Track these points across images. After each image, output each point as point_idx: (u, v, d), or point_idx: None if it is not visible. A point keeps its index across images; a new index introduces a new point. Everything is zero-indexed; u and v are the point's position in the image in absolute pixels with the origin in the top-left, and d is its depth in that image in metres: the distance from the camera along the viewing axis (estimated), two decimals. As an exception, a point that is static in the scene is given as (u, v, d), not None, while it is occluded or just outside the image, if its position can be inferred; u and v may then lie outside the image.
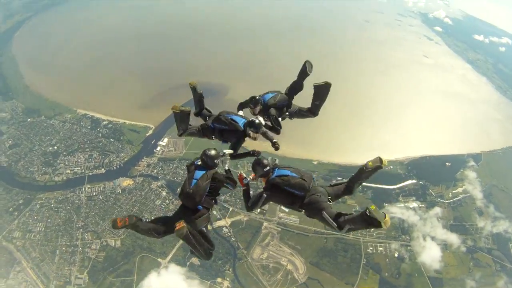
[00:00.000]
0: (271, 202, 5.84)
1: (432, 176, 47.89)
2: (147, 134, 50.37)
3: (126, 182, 45.10)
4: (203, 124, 6.93)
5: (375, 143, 48.18)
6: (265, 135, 6.90)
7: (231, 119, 6.58)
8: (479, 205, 46.14)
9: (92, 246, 40.98)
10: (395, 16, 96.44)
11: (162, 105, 52.03)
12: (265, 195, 5.67)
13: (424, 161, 49.69)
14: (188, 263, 38.85)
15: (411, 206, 44.52)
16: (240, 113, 7.35)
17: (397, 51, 70.76)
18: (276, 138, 7.16)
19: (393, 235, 42.44)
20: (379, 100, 55.25)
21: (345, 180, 5.80)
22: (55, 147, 48.76)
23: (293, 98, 7.31)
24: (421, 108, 54.67)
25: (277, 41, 70.60)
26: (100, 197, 43.95)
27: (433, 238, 42.58)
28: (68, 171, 46.42)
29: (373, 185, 45.57)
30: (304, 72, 7.07)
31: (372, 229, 39.40)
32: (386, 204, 44.56)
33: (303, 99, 7.68)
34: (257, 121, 6.47)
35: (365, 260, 40.58)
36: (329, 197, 5.67)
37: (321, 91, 6.79)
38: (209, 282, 38.83)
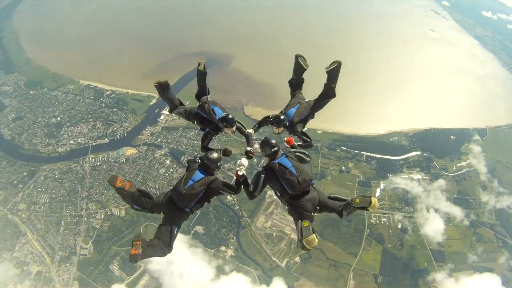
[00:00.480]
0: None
1: (436, 148, 47.56)
2: (151, 103, 50.00)
3: (130, 151, 45.03)
4: (191, 108, 6.98)
5: (381, 114, 47.70)
6: (240, 130, 7.09)
7: (212, 109, 6.59)
8: (483, 179, 45.83)
9: (96, 216, 41.26)
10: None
11: (166, 74, 51.30)
12: (262, 175, 5.65)
13: (429, 133, 49.27)
14: (192, 232, 39.08)
15: (415, 178, 44.34)
16: (251, 130, 7.44)
17: (404, 25, 69.36)
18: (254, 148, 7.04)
19: (396, 206, 42.41)
20: (386, 73, 54.40)
21: (345, 198, 5.57)
22: (58, 119, 48.51)
23: (301, 89, 7.31)
24: (427, 81, 53.89)
25: (284, 13, 68.91)
26: (104, 166, 43.95)
27: (436, 211, 42.53)
28: (72, 142, 46.31)
29: (377, 156, 45.48)
30: (300, 69, 7.02)
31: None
32: (390, 174, 44.35)
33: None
34: (230, 116, 6.42)
35: (368, 230, 40.70)
36: (318, 208, 5.57)
37: (334, 73, 6.62)
38: (213, 251, 39.11)
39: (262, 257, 39.00)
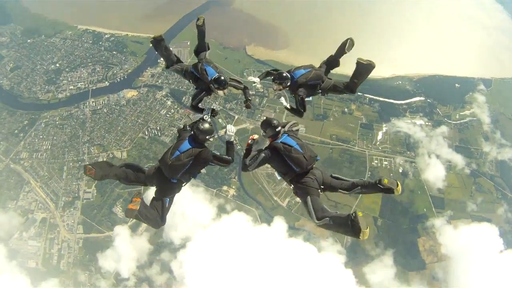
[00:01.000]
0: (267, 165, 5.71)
1: (440, 95, 46.89)
2: (151, 45, 48.44)
3: (131, 93, 44.73)
4: (188, 66, 6.75)
5: (385, 56, 46.12)
6: (236, 88, 6.83)
7: (205, 69, 6.37)
8: (485, 129, 45.33)
9: (99, 159, 41.19)
10: None
11: (166, 15, 50.42)
12: (263, 154, 5.46)
13: (433, 79, 48.39)
14: (194, 171, 39.15)
15: (417, 123, 44.02)
16: (256, 79, 7.12)
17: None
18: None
19: (398, 150, 42.32)
20: (392, 14, 52.60)
21: (348, 179, 5.49)
22: (57, 65, 47.90)
23: (328, 73, 6.82)
24: (434, 27, 52.44)
25: None
26: (105, 110, 43.83)
27: (438, 157, 42.37)
28: (72, 87, 45.96)
29: (380, 99, 44.96)
30: (342, 49, 6.62)
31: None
32: (393, 118, 44.05)
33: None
34: (222, 78, 6.15)
35: (369, 173, 40.71)
36: (322, 186, 5.47)
37: (363, 70, 6.27)
38: (214, 190, 39.42)
39: (263, 197, 39.34)
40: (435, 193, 40.75)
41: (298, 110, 6.67)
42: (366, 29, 49.14)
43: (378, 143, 42.36)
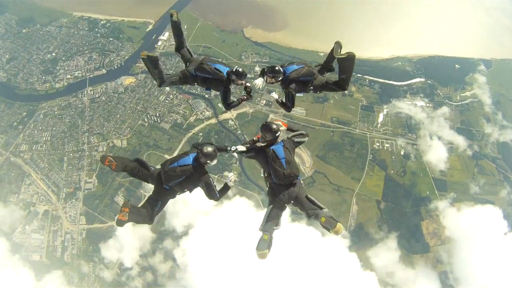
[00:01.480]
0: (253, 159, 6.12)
1: (440, 76, 46.44)
2: (147, 30, 48.50)
3: (128, 80, 44.35)
4: (184, 72, 6.58)
5: (384, 37, 46.18)
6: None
7: (215, 68, 6.32)
8: (487, 110, 45.02)
9: (99, 149, 41.30)
10: None
11: None
12: (257, 149, 5.89)
13: (433, 60, 47.90)
14: (194, 157, 38.89)
15: (418, 104, 43.69)
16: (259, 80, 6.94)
17: None
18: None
19: (399, 132, 42.12)
20: None
21: (317, 206, 5.65)
22: (53, 54, 47.32)
23: (323, 73, 6.71)
24: (433, 6, 51.89)
25: None
26: (103, 98, 43.48)
27: (439, 138, 42.15)
28: (69, 76, 45.48)
29: (380, 80, 44.61)
30: (331, 55, 6.46)
31: None
32: (393, 99, 43.72)
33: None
34: (240, 69, 6.27)
35: (371, 156, 40.64)
36: (292, 202, 5.79)
37: (346, 64, 6.14)
38: (216, 176, 38.97)
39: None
40: (437, 175, 40.64)
41: (286, 104, 6.72)
42: (365, 9, 48.59)
43: (379, 125, 42.10)
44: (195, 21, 48.07)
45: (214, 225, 37.55)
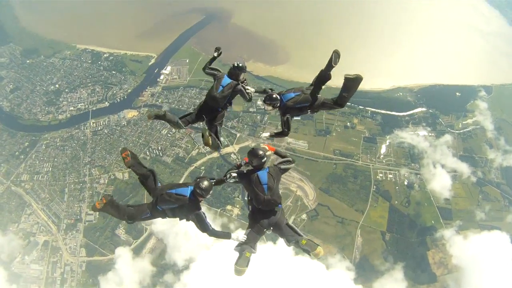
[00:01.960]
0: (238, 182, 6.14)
1: (442, 105, 46.52)
2: (150, 63, 49.12)
3: (131, 113, 44.62)
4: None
5: (384, 68, 46.44)
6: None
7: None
8: (489, 136, 45.01)
9: (100, 181, 41.20)
10: None
11: (164, 33, 50.57)
12: (245, 173, 5.89)
13: (434, 89, 48.05)
14: (196, 192, 38.60)
15: (420, 133, 43.71)
16: (252, 89, 7.32)
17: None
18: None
19: (402, 162, 41.91)
20: (389, 27, 52.64)
21: (296, 234, 5.74)
22: (57, 86, 47.91)
23: (320, 89, 6.91)
24: (431, 36, 52.32)
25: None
26: (106, 131, 43.66)
27: (443, 166, 41.89)
28: (72, 108, 45.90)
29: (382, 111, 44.75)
30: (329, 63, 6.62)
31: None
32: (395, 130, 43.72)
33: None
34: (240, 64, 6.92)
35: (374, 187, 40.36)
36: (272, 228, 5.87)
37: (351, 84, 6.47)
38: (218, 210, 38.80)
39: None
40: (442, 204, 40.28)
41: (282, 131, 6.97)
42: (364, 41, 49.21)
43: (382, 156, 41.96)
44: (197, 55, 48.67)
45: (216, 259, 36.90)
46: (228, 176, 5.99)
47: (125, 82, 47.46)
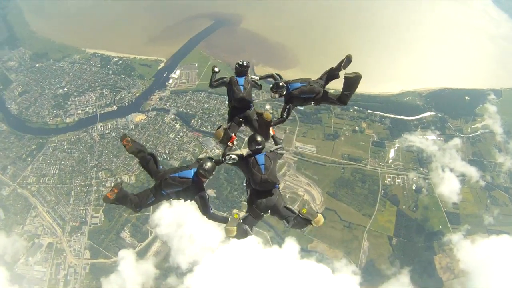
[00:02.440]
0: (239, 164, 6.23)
1: (451, 109, 46.48)
2: (159, 68, 49.52)
3: (139, 117, 44.77)
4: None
5: (394, 72, 46.80)
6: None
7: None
8: (498, 140, 44.70)
9: (106, 184, 41.12)
10: None
11: (173, 37, 51.03)
12: (243, 158, 6.04)
13: (443, 93, 48.04)
14: (203, 195, 38.53)
15: (429, 137, 43.53)
16: (256, 77, 7.77)
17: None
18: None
19: (411, 166, 41.67)
20: (398, 31, 53.82)
21: (294, 213, 5.79)
22: (65, 89, 48.29)
23: (327, 83, 7.27)
24: (440, 40, 52.51)
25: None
26: (113, 134, 43.81)
27: (451, 170, 41.57)
28: (80, 112, 46.17)
29: (391, 116, 44.70)
30: (340, 65, 7.08)
31: None
32: (404, 133, 43.61)
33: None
34: (244, 62, 7.43)
35: (382, 191, 40.09)
36: (270, 210, 5.90)
37: (351, 82, 6.79)
38: (225, 214, 38.57)
39: (275, 219, 38.36)
40: (450, 208, 39.89)
41: (281, 118, 7.19)
42: (373, 46, 49.43)
43: (390, 160, 41.75)
44: (206, 59, 49.10)
45: (220, 262, 36.69)
46: (227, 158, 6.09)
47: (133, 85, 47.84)
